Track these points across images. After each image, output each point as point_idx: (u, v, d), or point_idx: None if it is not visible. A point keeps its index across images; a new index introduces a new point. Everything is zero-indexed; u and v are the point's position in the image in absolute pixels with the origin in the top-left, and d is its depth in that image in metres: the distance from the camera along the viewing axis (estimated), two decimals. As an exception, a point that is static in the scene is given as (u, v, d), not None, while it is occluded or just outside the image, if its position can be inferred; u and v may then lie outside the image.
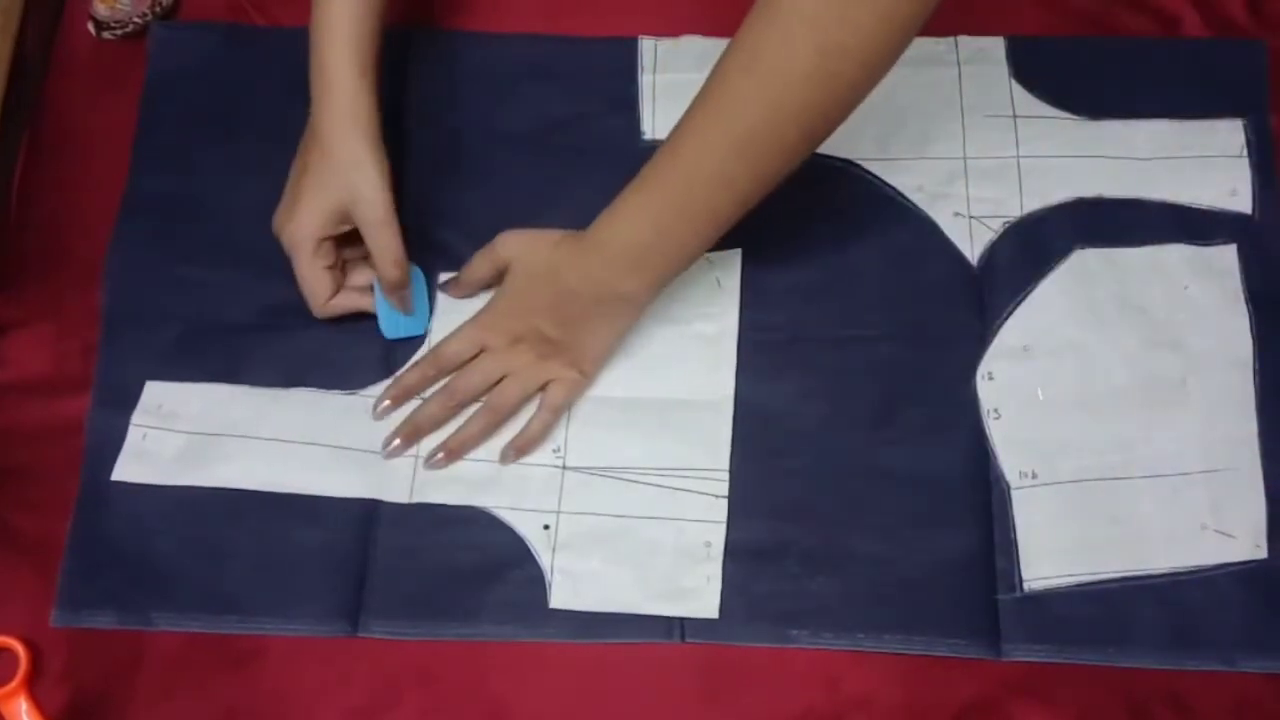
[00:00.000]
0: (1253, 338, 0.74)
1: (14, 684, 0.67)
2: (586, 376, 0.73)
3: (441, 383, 0.73)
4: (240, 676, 0.69)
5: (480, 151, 0.80)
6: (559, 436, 0.73)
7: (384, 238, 0.71)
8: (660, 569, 0.70)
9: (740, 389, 0.74)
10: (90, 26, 0.83)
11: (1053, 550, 0.70)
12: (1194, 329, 0.74)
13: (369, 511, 0.72)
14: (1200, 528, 0.70)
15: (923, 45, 0.81)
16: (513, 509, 0.71)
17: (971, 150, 0.79)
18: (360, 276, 0.75)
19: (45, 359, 0.75)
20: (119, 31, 0.83)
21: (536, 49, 0.82)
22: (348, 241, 0.73)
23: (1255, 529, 0.70)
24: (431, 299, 0.76)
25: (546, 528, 0.71)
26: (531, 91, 0.82)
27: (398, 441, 0.72)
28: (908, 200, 0.78)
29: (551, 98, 0.81)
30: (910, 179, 0.78)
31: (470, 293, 0.75)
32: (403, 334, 0.75)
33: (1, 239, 0.79)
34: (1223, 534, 0.70)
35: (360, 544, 0.71)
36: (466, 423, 0.73)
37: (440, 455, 0.72)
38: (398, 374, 0.74)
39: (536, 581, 0.70)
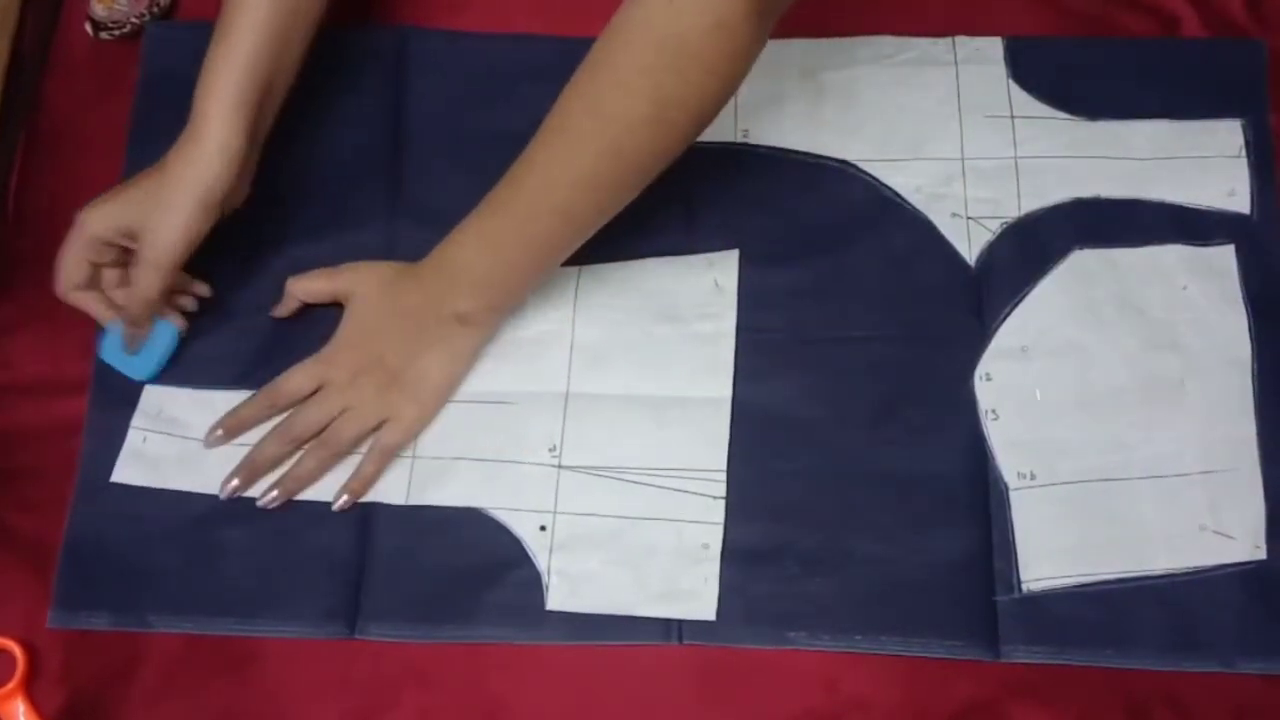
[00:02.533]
0: (1251, 338, 0.74)
1: (12, 685, 0.67)
2: (427, 410, 0.72)
3: (279, 419, 0.72)
4: (237, 678, 0.69)
5: (480, 151, 0.80)
6: (555, 435, 0.73)
7: (148, 278, 0.69)
8: (658, 570, 0.70)
9: (738, 390, 0.73)
10: (88, 27, 0.83)
11: (1051, 551, 0.70)
12: (1192, 329, 0.74)
13: (365, 513, 0.72)
14: (1199, 529, 0.70)
15: (920, 45, 0.81)
16: (509, 510, 0.71)
17: (969, 151, 0.79)
18: (120, 295, 0.73)
19: (43, 360, 0.75)
20: (116, 32, 0.83)
21: (536, 49, 0.82)
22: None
23: (1254, 530, 0.70)
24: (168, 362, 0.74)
25: (543, 529, 0.71)
26: (531, 91, 0.80)
27: (236, 482, 0.71)
28: (905, 201, 0.78)
29: (551, 98, 0.80)
30: (908, 179, 0.78)
31: (296, 304, 0.73)
32: (115, 365, 0.74)
33: (-2, 239, 0.79)
34: (1221, 535, 0.70)
35: (357, 546, 0.71)
36: (301, 459, 0.71)
37: (274, 494, 0.71)
38: (237, 406, 0.72)
39: (533, 583, 0.70)
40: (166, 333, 0.74)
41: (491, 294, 0.71)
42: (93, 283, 0.72)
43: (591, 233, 0.69)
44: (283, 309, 0.75)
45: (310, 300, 0.74)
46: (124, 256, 0.72)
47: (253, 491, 0.71)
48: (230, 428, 0.72)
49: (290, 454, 0.72)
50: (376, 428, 0.72)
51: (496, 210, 0.68)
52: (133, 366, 0.74)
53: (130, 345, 0.73)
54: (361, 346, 0.71)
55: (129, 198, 0.70)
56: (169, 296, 0.73)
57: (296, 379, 0.72)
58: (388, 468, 0.72)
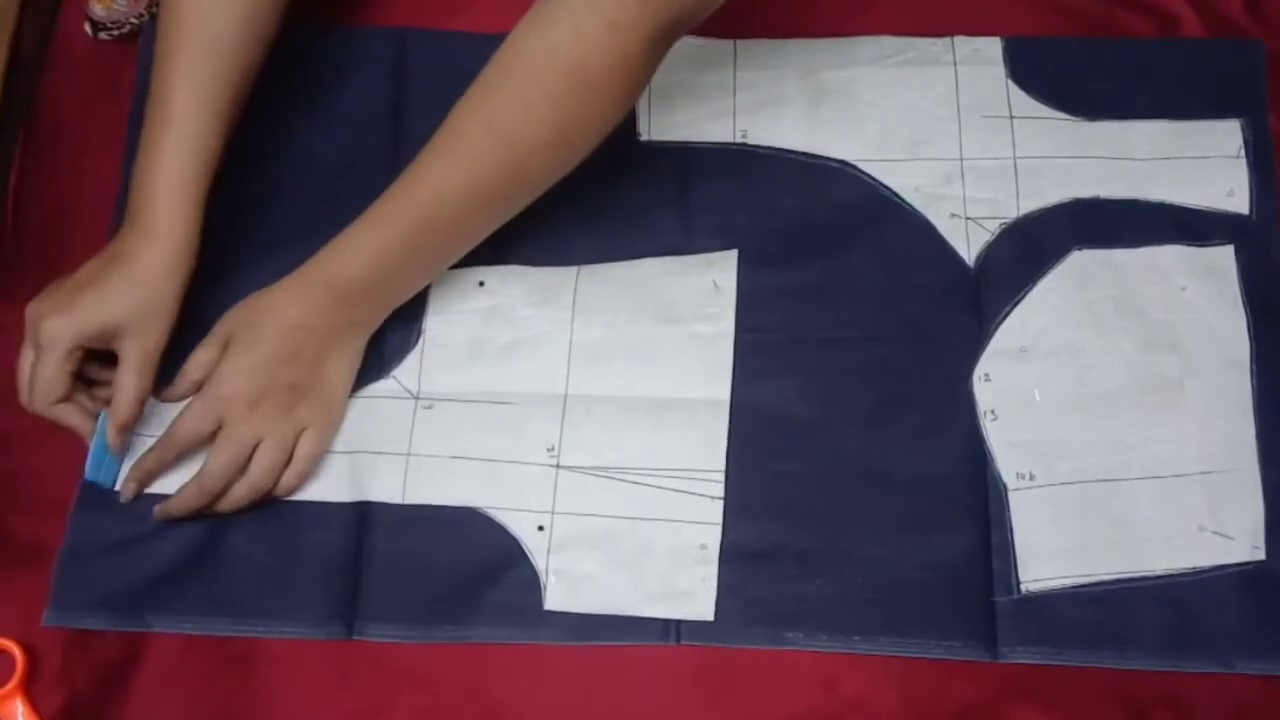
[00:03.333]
0: (1250, 339, 0.74)
1: (10, 685, 0.68)
2: (336, 412, 0.73)
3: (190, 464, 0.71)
4: (236, 679, 0.69)
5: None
6: (553, 435, 0.73)
7: (144, 376, 0.69)
8: (656, 571, 0.70)
9: (736, 390, 0.73)
10: (86, 27, 0.83)
11: (1050, 552, 0.70)
12: (1191, 330, 0.74)
13: (362, 513, 0.72)
14: (1198, 529, 0.70)
15: (920, 45, 0.81)
16: (507, 509, 0.71)
17: (968, 151, 0.78)
18: (85, 400, 0.72)
19: (40, 361, 0.75)
20: (115, 32, 0.83)
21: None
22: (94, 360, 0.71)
23: (1253, 530, 0.70)
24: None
25: (541, 529, 0.71)
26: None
27: (156, 516, 0.70)
28: (904, 201, 0.78)
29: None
30: (907, 180, 0.78)
31: (191, 385, 0.71)
32: (101, 479, 0.71)
33: (-3, 240, 0.79)
34: (1220, 535, 0.70)
35: (354, 547, 0.71)
36: (231, 492, 0.70)
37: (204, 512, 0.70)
38: (139, 458, 0.71)
39: (531, 583, 0.70)
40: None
41: (381, 299, 0.72)
42: (69, 393, 0.70)
43: (483, 239, 0.71)
44: (180, 392, 0.71)
45: (205, 372, 0.70)
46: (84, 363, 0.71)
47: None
48: (139, 480, 0.71)
49: (212, 501, 0.70)
50: (294, 444, 0.71)
51: (386, 221, 0.69)
52: (112, 474, 0.72)
53: (121, 450, 0.71)
54: (254, 373, 0.69)
55: (99, 300, 0.68)
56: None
57: (192, 422, 0.70)
58: (316, 474, 0.72)
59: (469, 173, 0.67)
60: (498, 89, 0.66)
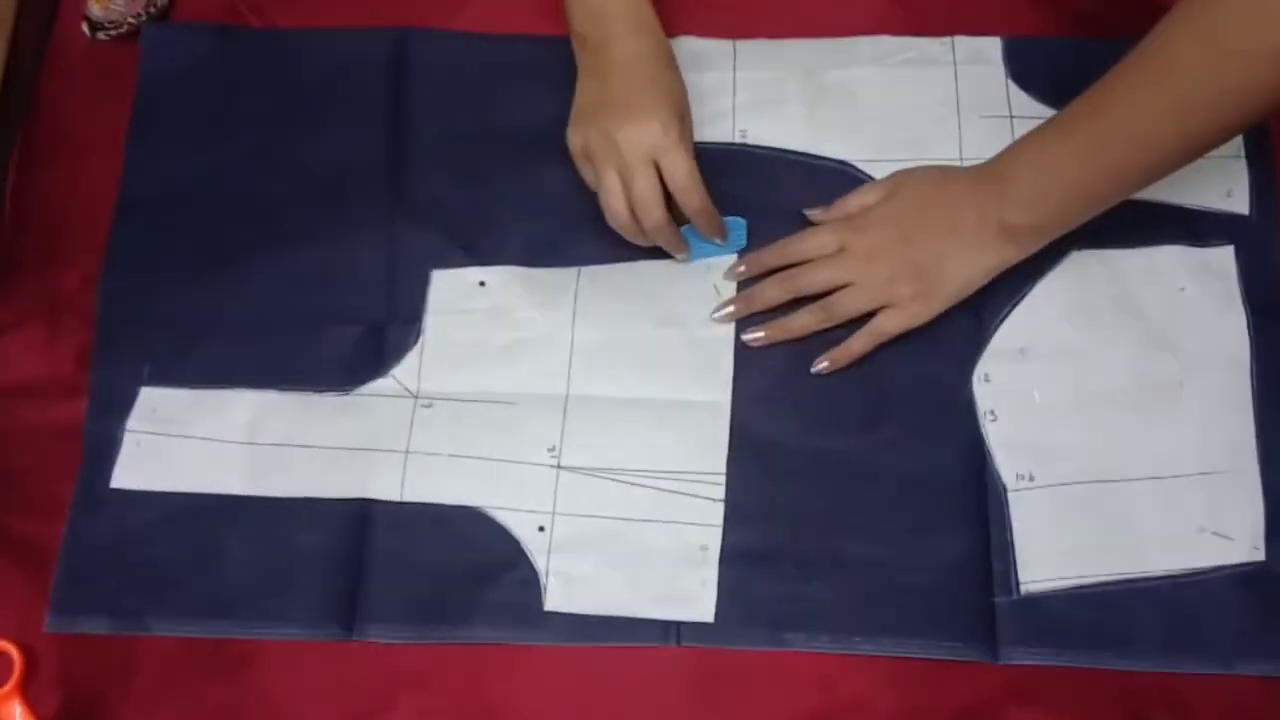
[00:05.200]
0: (1250, 339, 0.74)
1: (8, 687, 0.67)
2: (932, 310, 0.72)
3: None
4: (235, 681, 0.69)
5: (480, 151, 0.80)
6: (554, 436, 0.73)
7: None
8: (656, 572, 0.70)
9: (736, 392, 0.73)
10: (84, 27, 0.83)
11: (1050, 553, 0.70)
12: (1191, 331, 0.74)
13: (362, 514, 0.72)
14: (1197, 530, 0.70)
15: (920, 45, 0.81)
16: (507, 509, 0.71)
17: (968, 151, 0.78)
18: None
19: (39, 362, 0.76)
20: (113, 32, 0.83)
21: (536, 49, 0.82)
22: None
23: (1253, 531, 0.70)
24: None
25: (541, 529, 0.71)
26: (531, 91, 0.81)
27: (728, 310, 0.74)
28: (905, 201, 0.78)
29: (550, 98, 0.81)
30: (908, 180, 0.78)
31: (841, 215, 0.74)
32: (710, 255, 0.76)
33: (-4, 240, 0.79)
34: (1220, 536, 0.70)
35: (354, 547, 0.71)
36: (798, 314, 0.73)
37: (760, 334, 0.73)
38: (756, 252, 0.75)
39: (531, 584, 0.70)
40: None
41: (1039, 213, 0.69)
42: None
43: (1174, 169, 0.66)
44: (830, 214, 0.75)
45: (859, 209, 0.74)
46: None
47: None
48: (750, 264, 0.74)
49: (784, 300, 0.73)
50: (873, 310, 0.72)
51: (1063, 128, 0.67)
52: (719, 248, 0.76)
53: (720, 232, 0.74)
54: (892, 225, 0.72)
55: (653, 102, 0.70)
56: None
57: (820, 238, 0.73)
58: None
59: (1169, 84, 0.62)
60: None
